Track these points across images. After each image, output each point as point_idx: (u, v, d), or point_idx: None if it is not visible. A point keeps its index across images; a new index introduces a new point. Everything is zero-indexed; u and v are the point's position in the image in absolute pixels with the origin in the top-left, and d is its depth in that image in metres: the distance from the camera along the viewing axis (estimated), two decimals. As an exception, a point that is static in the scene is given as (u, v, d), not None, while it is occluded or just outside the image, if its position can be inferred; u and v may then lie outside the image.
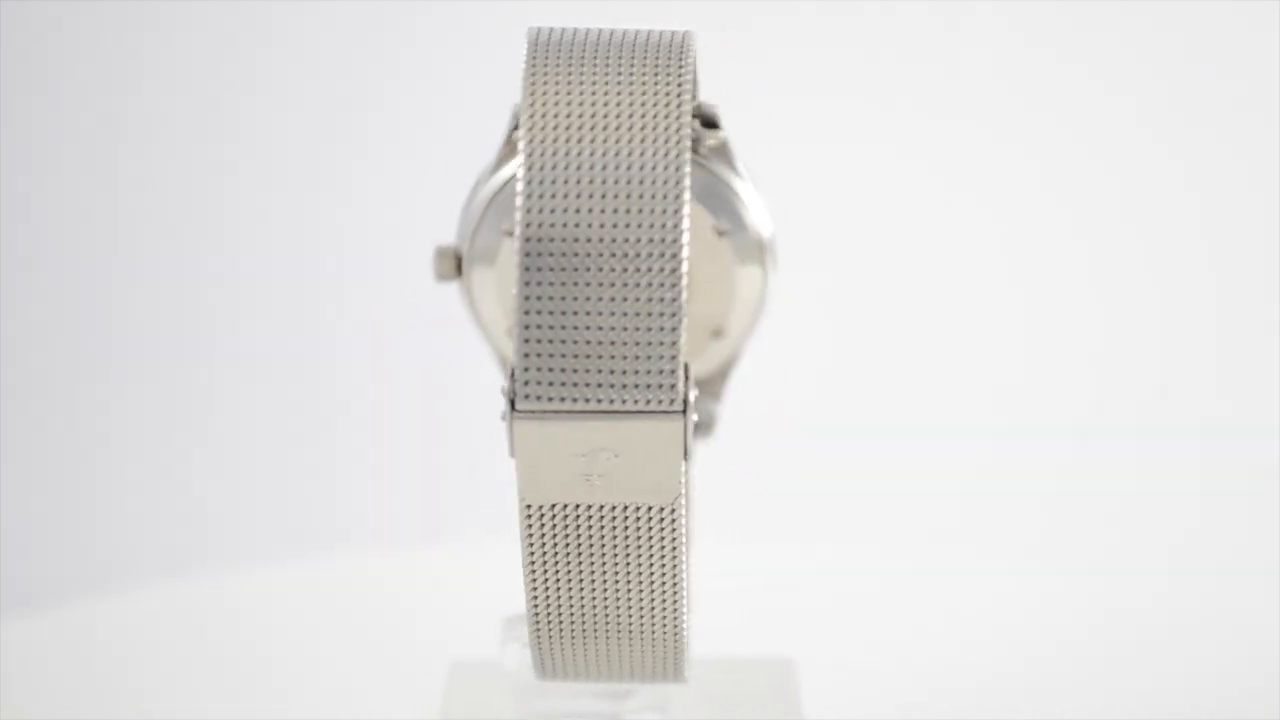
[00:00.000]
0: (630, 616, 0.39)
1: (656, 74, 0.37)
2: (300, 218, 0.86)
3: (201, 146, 0.86)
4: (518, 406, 0.37)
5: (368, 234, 0.86)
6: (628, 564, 0.38)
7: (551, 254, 0.36)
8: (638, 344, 0.36)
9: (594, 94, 0.37)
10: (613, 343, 0.36)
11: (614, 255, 0.36)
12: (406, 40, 0.86)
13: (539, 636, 0.40)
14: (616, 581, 0.39)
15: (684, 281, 0.36)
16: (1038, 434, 0.81)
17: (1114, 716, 0.54)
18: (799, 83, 0.82)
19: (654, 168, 0.36)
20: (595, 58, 0.38)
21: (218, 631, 0.60)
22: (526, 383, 0.37)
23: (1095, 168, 0.84)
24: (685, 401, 0.36)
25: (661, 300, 0.36)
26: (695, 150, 0.44)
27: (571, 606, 0.39)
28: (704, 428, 0.46)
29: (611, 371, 0.36)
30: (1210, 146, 0.83)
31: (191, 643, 0.60)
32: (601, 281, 0.36)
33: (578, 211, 0.36)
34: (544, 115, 0.37)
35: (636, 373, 0.36)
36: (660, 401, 0.36)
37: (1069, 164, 0.84)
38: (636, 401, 0.36)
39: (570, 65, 0.38)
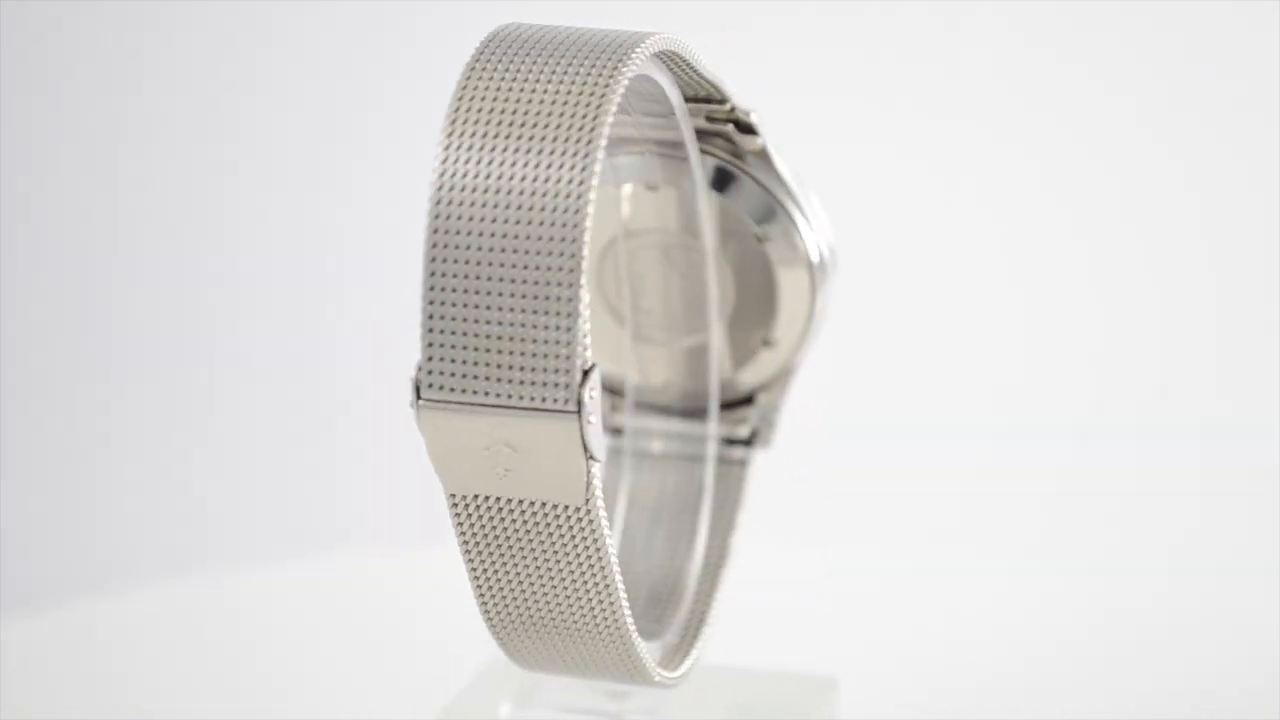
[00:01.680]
0: (570, 614, 0.39)
1: (589, 74, 0.37)
2: (300, 218, 0.86)
3: (201, 146, 0.86)
4: (422, 396, 0.37)
5: (368, 234, 0.86)
6: (555, 561, 0.38)
7: (458, 247, 0.37)
8: (534, 341, 0.36)
9: (521, 92, 0.37)
10: (511, 338, 0.36)
11: (515, 252, 0.36)
12: (406, 40, 0.86)
13: (493, 626, 0.40)
14: (550, 578, 0.39)
15: (581, 280, 0.36)
16: (1038, 434, 0.81)
17: (1114, 716, 0.54)
18: (800, 83, 0.82)
19: (561, 167, 0.36)
20: (538, 56, 0.38)
21: (218, 631, 0.60)
22: (430, 373, 0.37)
23: (1094, 168, 0.84)
24: (579, 402, 0.36)
25: (559, 300, 0.36)
26: (739, 157, 0.44)
27: (514, 599, 0.39)
28: (762, 438, 0.47)
29: (510, 367, 0.37)
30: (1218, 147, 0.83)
31: (191, 643, 0.60)
32: (503, 278, 0.36)
33: (484, 206, 0.37)
34: (469, 111, 0.37)
35: (533, 369, 0.36)
36: (555, 400, 0.36)
37: (1068, 164, 0.84)
38: (532, 399, 0.36)
39: (510, 63, 0.38)
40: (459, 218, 0.37)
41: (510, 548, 0.39)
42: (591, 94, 0.37)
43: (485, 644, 0.46)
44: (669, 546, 0.46)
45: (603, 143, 0.36)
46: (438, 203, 0.37)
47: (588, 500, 0.37)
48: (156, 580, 0.66)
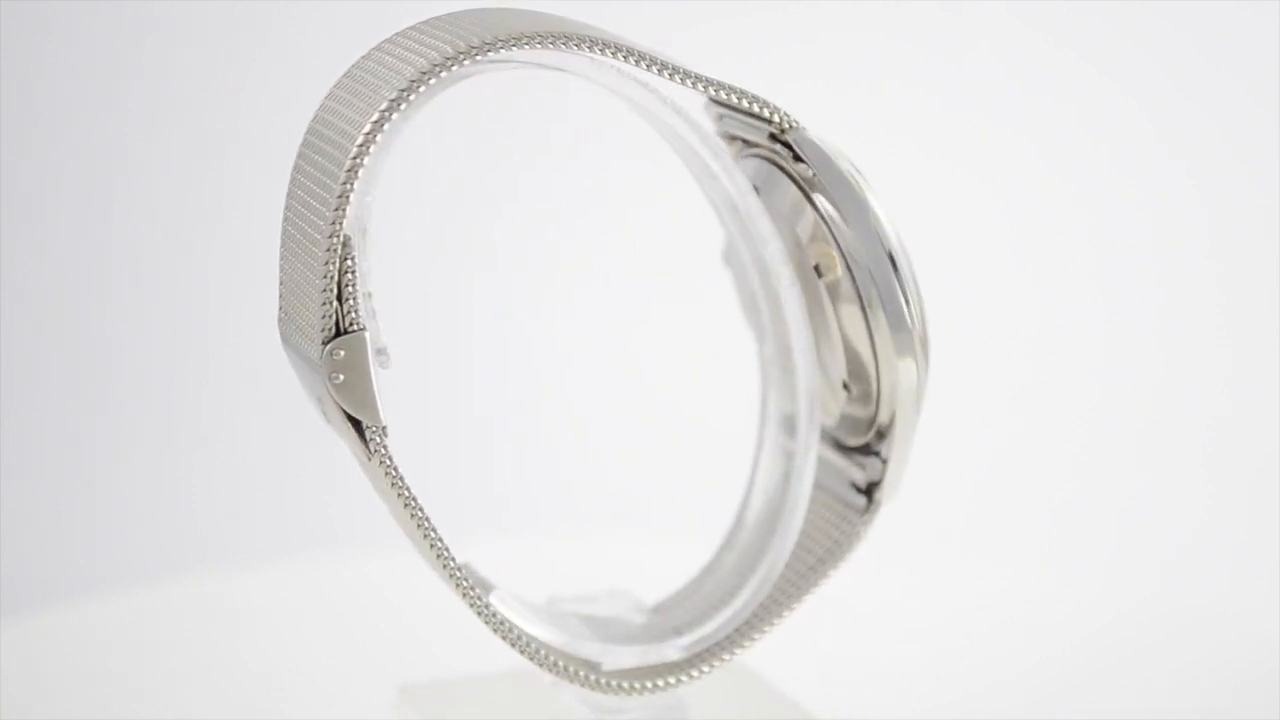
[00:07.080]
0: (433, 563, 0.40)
1: (445, 47, 0.37)
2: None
3: (201, 146, 0.86)
4: (281, 334, 0.40)
5: (366, 233, 0.85)
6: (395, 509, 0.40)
7: (292, 208, 0.39)
8: (304, 293, 0.38)
9: (394, 60, 0.38)
10: (297, 286, 0.39)
11: (311, 215, 0.38)
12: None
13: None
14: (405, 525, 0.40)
15: (337, 237, 0.37)
16: (1038, 434, 0.81)
17: (1114, 716, 0.54)
18: (804, 82, 0.82)
19: (346, 134, 0.37)
20: (445, 30, 0.38)
21: (217, 631, 0.60)
22: (279, 308, 0.40)
23: (1095, 168, 0.84)
24: (322, 359, 0.38)
25: (314, 254, 0.38)
26: (813, 186, 0.41)
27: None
28: (873, 501, 0.43)
29: (296, 314, 0.39)
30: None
31: (191, 643, 0.60)
32: (301, 228, 0.38)
33: (312, 158, 0.39)
34: (347, 79, 0.39)
35: (302, 319, 0.39)
36: (309, 352, 0.38)
37: (1068, 165, 0.84)
38: (300, 347, 0.39)
39: (417, 35, 0.38)
40: (301, 171, 0.39)
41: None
42: (408, 73, 0.37)
43: (485, 647, 0.46)
44: (745, 561, 0.44)
45: (401, 107, 0.37)
46: (299, 157, 0.39)
47: (370, 458, 0.38)
48: (156, 580, 0.66)
